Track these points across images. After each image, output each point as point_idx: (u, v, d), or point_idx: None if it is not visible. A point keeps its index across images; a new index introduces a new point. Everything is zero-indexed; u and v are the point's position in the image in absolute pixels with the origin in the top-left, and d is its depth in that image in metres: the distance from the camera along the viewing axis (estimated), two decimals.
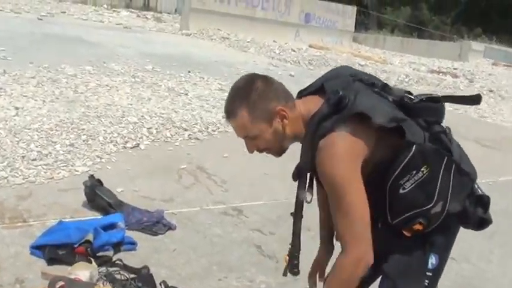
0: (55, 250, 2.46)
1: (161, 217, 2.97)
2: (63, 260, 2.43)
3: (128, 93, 5.55)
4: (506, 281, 2.99)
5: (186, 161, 4.06)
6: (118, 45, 8.21)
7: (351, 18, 16.68)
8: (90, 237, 2.53)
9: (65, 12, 12.76)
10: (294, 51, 11.73)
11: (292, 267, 1.69)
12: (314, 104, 1.44)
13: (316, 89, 1.50)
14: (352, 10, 16.87)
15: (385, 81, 1.56)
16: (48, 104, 4.75)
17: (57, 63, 6.24)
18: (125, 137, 4.30)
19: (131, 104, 5.18)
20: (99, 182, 3.12)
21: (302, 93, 1.55)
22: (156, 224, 2.91)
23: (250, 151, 1.52)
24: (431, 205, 1.39)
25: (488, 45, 20.17)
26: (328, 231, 1.75)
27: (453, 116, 6.88)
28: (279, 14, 14.27)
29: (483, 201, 1.48)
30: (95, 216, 2.96)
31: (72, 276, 2.18)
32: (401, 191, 1.39)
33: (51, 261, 2.42)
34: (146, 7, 18.27)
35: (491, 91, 10.76)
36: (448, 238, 1.53)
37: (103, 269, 2.38)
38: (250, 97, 1.42)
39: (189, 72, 7.17)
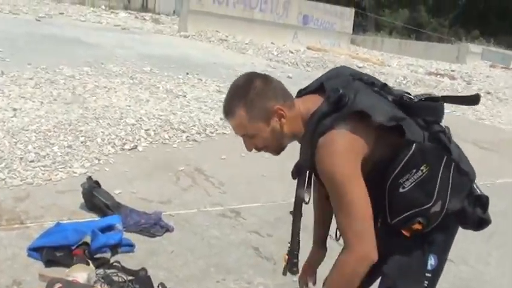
0: (53, 252, 2.45)
1: (159, 219, 2.96)
2: (60, 262, 2.42)
3: (126, 95, 5.54)
4: (505, 283, 2.99)
5: (184, 163, 4.05)
6: (116, 47, 8.21)
7: (348, 20, 16.70)
8: (87, 239, 2.52)
9: (63, 13, 12.77)
10: (292, 53, 11.74)
11: (292, 266, 1.69)
12: (313, 102, 1.44)
13: (316, 88, 1.51)
14: (350, 12, 16.89)
15: None
16: (46, 105, 4.75)
17: (55, 64, 6.24)
18: (122, 138, 4.29)
19: (129, 106, 5.17)
20: (97, 183, 3.12)
21: (302, 93, 1.56)
22: (153, 226, 2.90)
23: (249, 149, 1.52)
24: (430, 204, 1.40)
25: (486, 47, 20.26)
26: (323, 231, 1.75)
27: (451, 118, 6.89)
28: (277, 16, 14.28)
29: (482, 201, 1.49)
30: (92, 218, 2.95)
31: (70, 278, 2.18)
32: (401, 190, 1.39)
33: (48, 263, 2.41)
34: (144, 8, 18.31)
35: (488, 93, 10.78)
36: (447, 238, 1.53)
37: (101, 271, 2.37)
38: (248, 96, 1.42)
39: (187, 74, 7.17)
